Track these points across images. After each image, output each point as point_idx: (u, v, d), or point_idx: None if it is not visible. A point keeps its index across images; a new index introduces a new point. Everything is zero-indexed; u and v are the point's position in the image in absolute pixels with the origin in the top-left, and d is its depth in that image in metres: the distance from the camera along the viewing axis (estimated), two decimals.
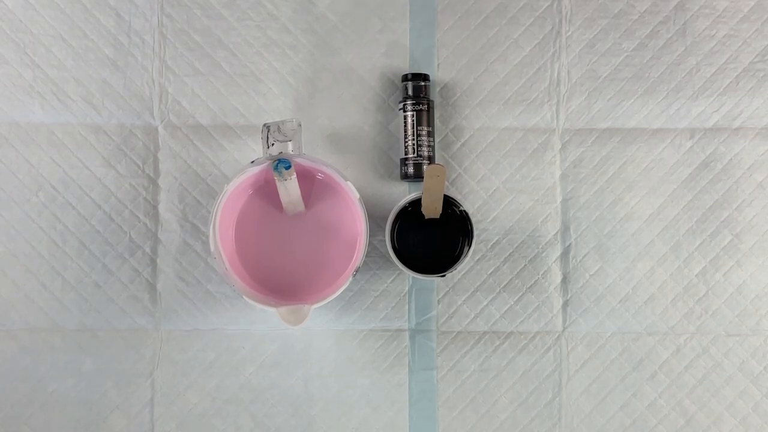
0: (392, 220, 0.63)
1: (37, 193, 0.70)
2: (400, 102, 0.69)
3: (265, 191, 0.65)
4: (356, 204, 0.61)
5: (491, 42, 0.71)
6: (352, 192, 0.61)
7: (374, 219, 0.69)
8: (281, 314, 0.57)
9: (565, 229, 0.70)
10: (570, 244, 0.70)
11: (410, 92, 0.69)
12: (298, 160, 0.61)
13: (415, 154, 0.68)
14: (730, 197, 0.70)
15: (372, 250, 0.70)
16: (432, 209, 0.62)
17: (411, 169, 0.68)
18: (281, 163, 0.56)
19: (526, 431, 0.69)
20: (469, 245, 0.63)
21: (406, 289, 0.70)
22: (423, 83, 0.69)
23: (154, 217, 0.70)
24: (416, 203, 0.62)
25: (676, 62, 0.71)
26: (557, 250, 0.70)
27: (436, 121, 0.70)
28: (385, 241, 0.63)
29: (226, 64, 0.71)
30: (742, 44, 0.71)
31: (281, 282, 0.65)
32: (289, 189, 0.60)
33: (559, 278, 0.70)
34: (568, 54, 0.71)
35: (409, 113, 0.68)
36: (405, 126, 0.68)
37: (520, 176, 0.70)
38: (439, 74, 0.71)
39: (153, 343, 0.70)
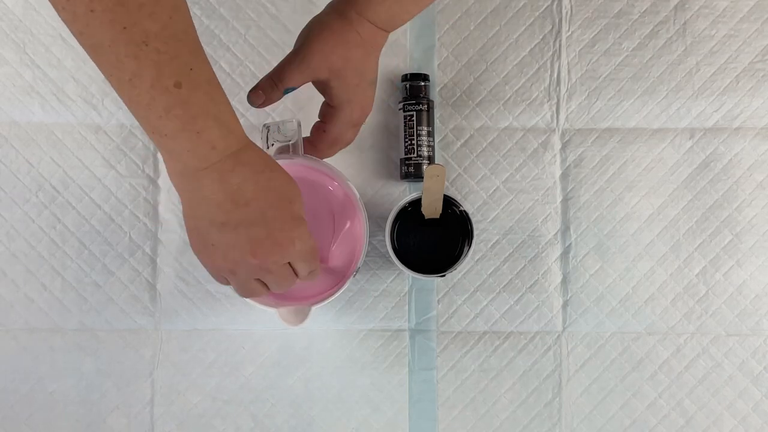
0: (392, 220, 0.63)
1: (37, 193, 0.70)
2: (399, 102, 0.69)
3: None
4: (356, 204, 0.61)
5: (491, 42, 0.71)
6: (352, 192, 0.61)
7: (374, 219, 0.69)
8: (281, 314, 0.57)
9: (565, 229, 0.70)
10: (570, 244, 0.70)
11: (410, 92, 0.69)
12: (298, 160, 0.61)
13: (415, 154, 0.68)
14: (730, 197, 0.70)
15: (372, 250, 0.70)
16: (432, 209, 0.62)
17: (411, 169, 0.68)
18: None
19: (526, 431, 0.69)
20: (469, 245, 0.63)
21: (406, 289, 0.70)
22: (422, 83, 0.69)
23: (154, 217, 0.70)
24: (416, 203, 0.62)
25: (676, 62, 0.71)
26: (557, 250, 0.70)
27: (436, 121, 0.70)
28: (385, 241, 0.63)
29: (226, 64, 0.71)
30: (742, 44, 0.71)
31: None
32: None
33: (559, 278, 0.70)
34: (568, 54, 0.71)
35: (408, 113, 0.68)
36: (405, 126, 0.68)
37: (520, 176, 0.70)
38: (438, 74, 0.71)
39: (153, 343, 0.70)
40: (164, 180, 0.70)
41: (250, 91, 0.55)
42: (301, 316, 0.57)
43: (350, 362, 0.70)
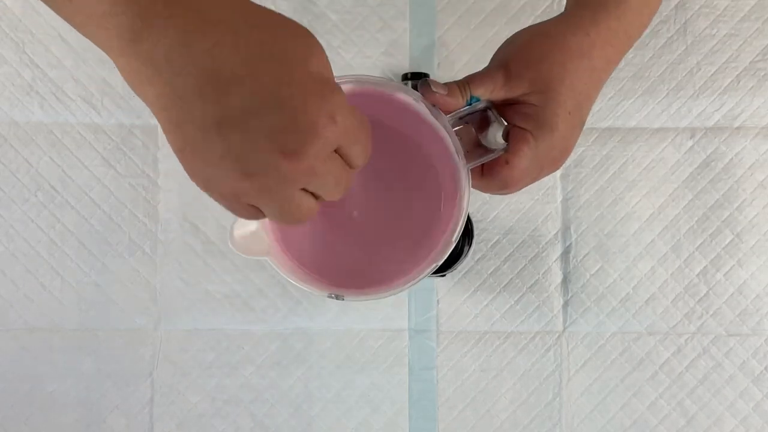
0: None
1: (36, 193, 0.70)
2: None
3: None
4: (458, 177, 0.41)
5: (491, 41, 0.71)
6: (457, 167, 0.41)
7: None
8: (236, 243, 0.42)
9: (565, 228, 0.70)
10: (570, 243, 0.70)
11: None
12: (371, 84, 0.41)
13: None
14: (731, 197, 0.70)
15: None
16: None
17: None
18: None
19: (527, 431, 0.69)
20: (470, 245, 0.63)
21: None
22: None
23: (154, 216, 0.70)
24: None
25: (677, 61, 0.71)
26: (557, 250, 0.70)
27: None
28: None
29: None
30: (742, 43, 0.71)
31: (335, 262, 0.44)
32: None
33: (559, 278, 0.70)
34: None
35: None
36: None
37: None
38: (438, 73, 0.71)
39: (152, 342, 0.70)
40: (164, 180, 0.70)
41: (434, 82, 0.41)
42: (262, 245, 0.42)
43: (350, 362, 0.70)
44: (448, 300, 0.70)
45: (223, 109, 0.30)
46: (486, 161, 0.41)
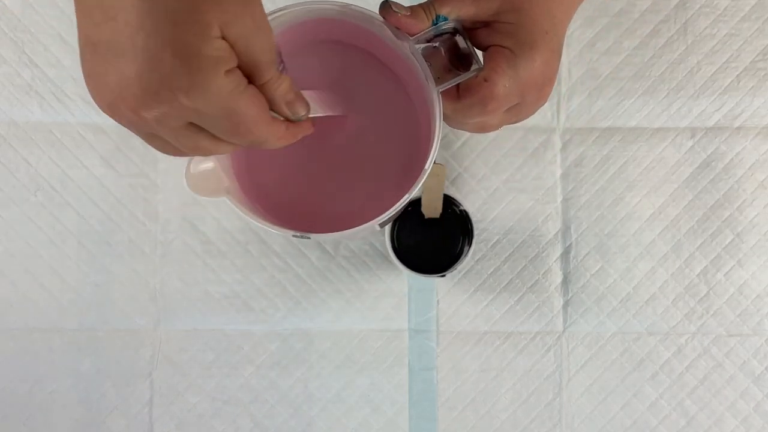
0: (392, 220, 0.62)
1: (36, 193, 0.70)
2: None
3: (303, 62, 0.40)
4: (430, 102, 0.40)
5: None
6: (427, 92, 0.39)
7: None
8: (189, 179, 0.41)
9: (565, 228, 0.70)
10: (570, 243, 0.70)
11: None
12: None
13: None
14: (731, 197, 0.70)
15: (372, 249, 0.70)
16: (432, 209, 0.62)
17: None
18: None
19: (527, 431, 0.69)
20: (469, 245, 0.62)
21: (406, 289, 0.70)
22: None
23: (153, 216, 0.70)
24: (416, 203, 0.62)
25: (677, 61, 0.71)
26: (558, 250, 0.70)
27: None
28: (385, 241, 0.63)
29: None
30: (743, 43, 0.71)
31: (298, 201, 0.43)
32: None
33: (559, 278, 0.70)
34: (568, 53, 0.71)
35: None
36: None
37: (521, 175, 0.70)
38: None
39: (152, 343, 0.70)
40: (164, 180, 0.70)
41: (395, 3, 0.39)
42: (218, 185, 0.39)
43: (350, 362, 0.70)
44: (448, 300, 0.70)
45: (99, 33, 0.30)
46: (459, 81, 0.39)
